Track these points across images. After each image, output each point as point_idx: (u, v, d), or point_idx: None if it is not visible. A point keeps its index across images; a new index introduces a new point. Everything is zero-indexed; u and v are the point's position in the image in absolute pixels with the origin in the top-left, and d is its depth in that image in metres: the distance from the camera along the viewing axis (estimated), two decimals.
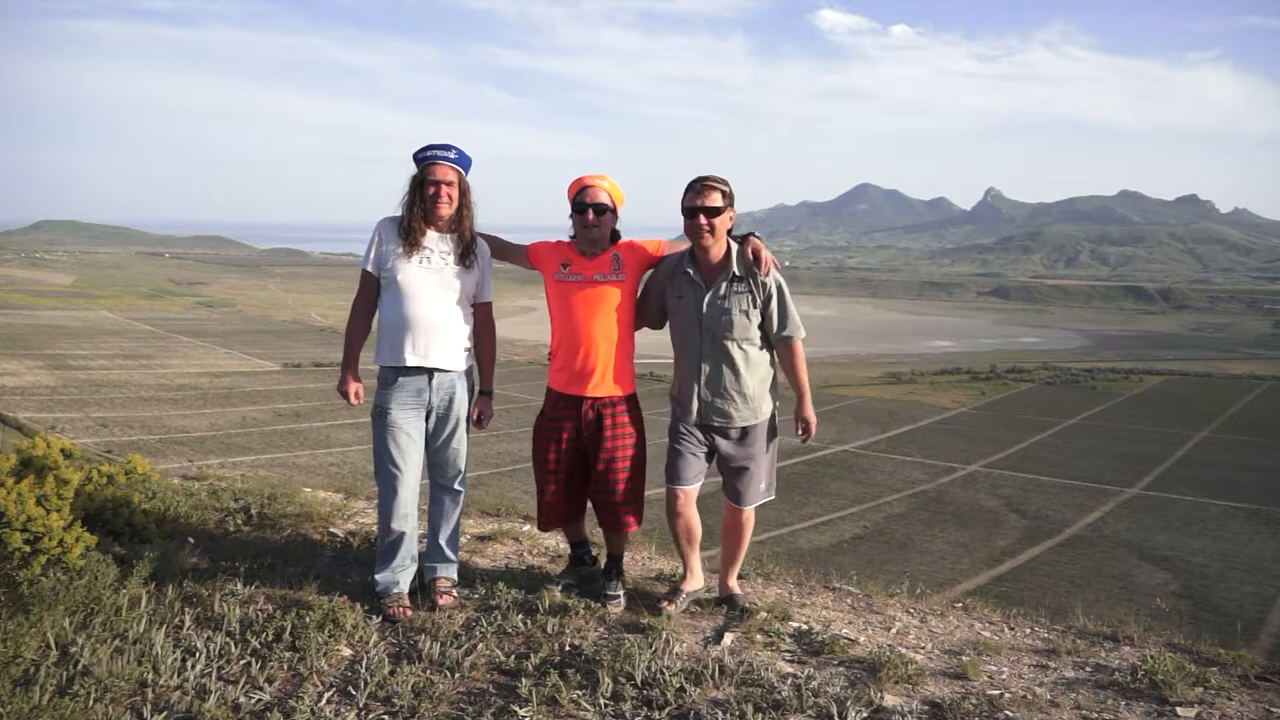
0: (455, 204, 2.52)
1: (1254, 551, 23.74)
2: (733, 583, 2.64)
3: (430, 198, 2.47)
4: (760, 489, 2.59)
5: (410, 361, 2.48)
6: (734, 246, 2.50)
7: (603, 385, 2.53)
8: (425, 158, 2.51)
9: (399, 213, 2.54)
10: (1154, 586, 20.51)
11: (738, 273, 2.47)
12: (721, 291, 2.46)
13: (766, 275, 2.47)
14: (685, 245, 2.59)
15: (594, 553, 2.81)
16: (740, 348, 2.47)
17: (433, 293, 2.50)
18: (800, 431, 2.57)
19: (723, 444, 2.54)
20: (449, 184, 2.49)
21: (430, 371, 2.51)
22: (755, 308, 2.47)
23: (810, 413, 2.55)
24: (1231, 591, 20.52)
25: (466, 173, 2.56)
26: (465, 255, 2.54)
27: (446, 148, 2.52)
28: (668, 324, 2.64)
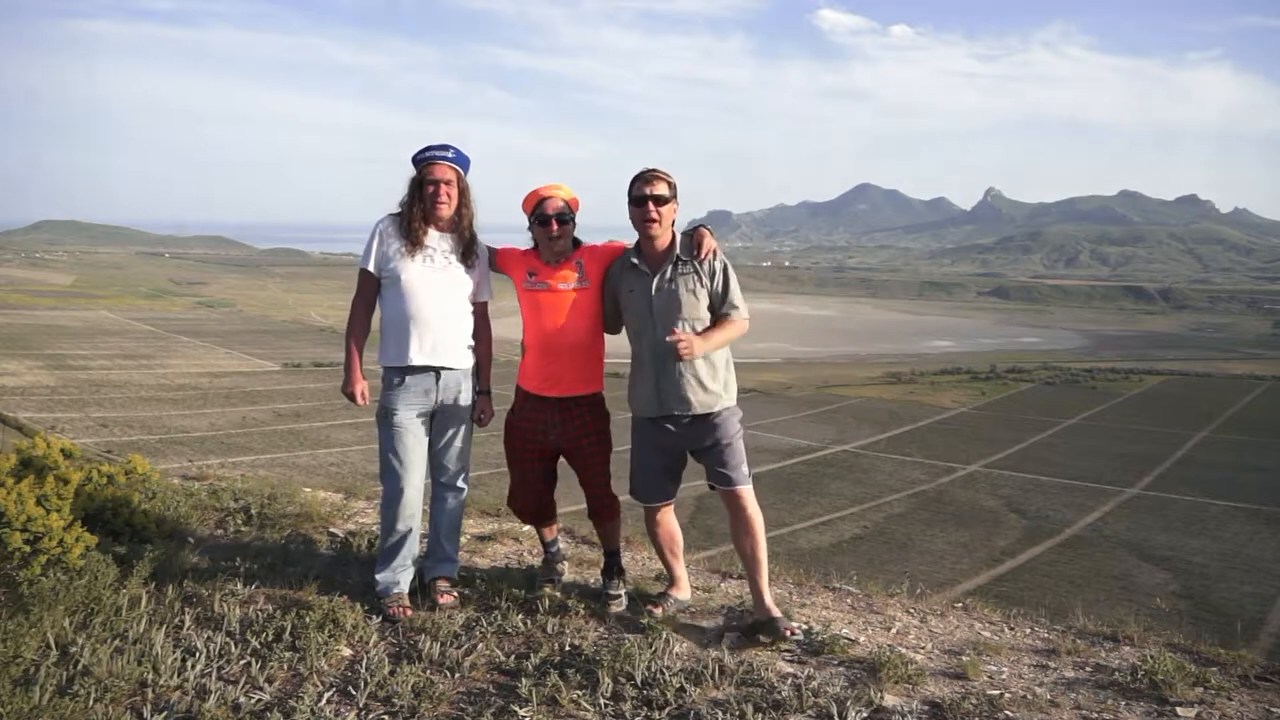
0: (455, 203, 2.53)
1: (1254, 551, 23.73)
2: (769, 601, 2.45)
3: (430, 197, 2.49)
4: (744, 470, 2.51)
5: (417, 361, 2.49)
6: (679, 236, 2.53)
7: (572, 387, 2.57)
8: (424, 158, 2.53)
9: (398, 211, 2.55)
10: (1154, 586, 20.50)
11: (682, 256, 2.50)
12: (668, 275, 2.48)
13: (704, 256, 2.50)
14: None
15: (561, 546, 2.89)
16: (693, 329, 2.47)
17: (437, 291, 2.52)
18: (675, 338, 2.39)
19: (688, 438, 2.52)
20: (448, 183, 2.51)
21: (437, 371, 2.52)
22: (703, 287, 2.48)
23: (697, 339, 2.45)
24: (1231, 591, 20.51)
25: (465, 172, 2.57)
26: (466, 254, 2.56)
27: (444, 147, 2.54)
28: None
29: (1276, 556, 23.36)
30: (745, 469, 2.51)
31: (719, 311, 2.52)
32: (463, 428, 2.58)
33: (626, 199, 2.51)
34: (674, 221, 2.54)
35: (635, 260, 2.52)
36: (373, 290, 2.56)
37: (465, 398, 2.57)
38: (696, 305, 2.48)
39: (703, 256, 2.49)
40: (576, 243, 2.61)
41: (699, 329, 2.48)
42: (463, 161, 2.57)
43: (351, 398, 2.55)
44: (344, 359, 2.56)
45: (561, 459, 2.67)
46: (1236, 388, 56.38)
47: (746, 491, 2.50)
